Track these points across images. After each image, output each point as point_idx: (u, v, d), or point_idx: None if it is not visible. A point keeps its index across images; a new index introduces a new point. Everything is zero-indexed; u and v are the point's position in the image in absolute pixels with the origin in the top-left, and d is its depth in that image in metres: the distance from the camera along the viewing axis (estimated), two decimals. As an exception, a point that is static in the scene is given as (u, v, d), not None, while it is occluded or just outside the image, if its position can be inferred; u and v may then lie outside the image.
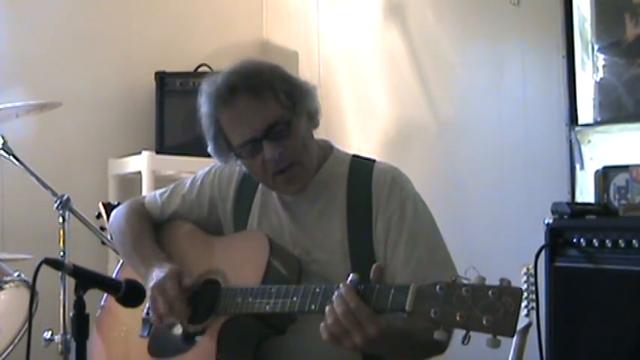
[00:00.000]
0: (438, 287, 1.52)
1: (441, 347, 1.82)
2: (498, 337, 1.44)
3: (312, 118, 2.00)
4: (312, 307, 1.73)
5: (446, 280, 1.53)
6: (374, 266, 1.65)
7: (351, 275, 1.65)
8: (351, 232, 1.96)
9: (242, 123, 1.91)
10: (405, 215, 1.94)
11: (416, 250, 1.91)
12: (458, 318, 1.47)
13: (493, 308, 1.44)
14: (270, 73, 1.92)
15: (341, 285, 1.64)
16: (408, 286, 1.57)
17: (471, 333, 1.47)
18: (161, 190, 2.27)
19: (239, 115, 1.91)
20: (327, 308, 1.63)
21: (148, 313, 2.06)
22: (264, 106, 1.89)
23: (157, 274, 1.98)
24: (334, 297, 1.63)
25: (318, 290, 1.74)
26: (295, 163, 1.94)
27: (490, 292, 1.46)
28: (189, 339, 1.94)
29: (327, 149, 2.08)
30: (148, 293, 1.94)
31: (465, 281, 1.50)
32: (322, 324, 1.63)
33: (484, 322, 1.44)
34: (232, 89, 1.90)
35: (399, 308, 1.57)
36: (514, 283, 1.49)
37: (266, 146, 1.90)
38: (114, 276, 2.23)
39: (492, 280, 1.49)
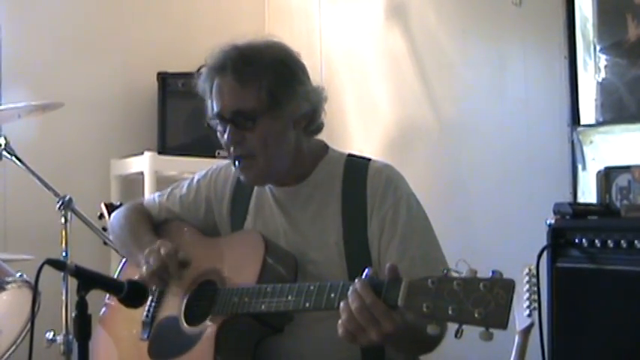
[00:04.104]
0: (429, 281, 1.51)
1: (437, 341, 1.82)
2: (491, 330, 1.44)
3: (300, 124, 1.98)
4: (307, 304, 1.73)
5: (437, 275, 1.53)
6: (388, 265, 1.62)
7: (367, 270, 1.63)
8: (346, 232, 1.96)
9: (219, 98, 1.94)
10: (398, 214, 1.93)
11: (409, 249, 1.91)
12: (450, 312, 1.47)
13: (485, 301, 1.44)
14: (266, 66, 1.91)
15: (356, 280, 1.62)
16: (399, 281, 1.56)
17: (466, 328, 1.47)
18: (159, 193, 2.29)
19: (220, 89, 1.94)
20: (341, 304, 1.61)
21: (147, 316, 2.07)
22: (241, 93, 1.91)
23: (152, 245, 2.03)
24: (349, 292, 1.61)
25: (312, 288, 1.74)
26: (248, 157, 1.95)
27: (481, 285, 1.45)
28: (187, 340, 1.95)
29: (321, 150, 2.07)
30: (142, 260, 1.98)
31: (457, 274, 1.50)
32: (339, 320, 1.61)
33: (476, 314, 1.44)
34: (224, 65, 1.93)
35: (391, 303, 1.56)
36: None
37: (228, 130, 1.93)
38: (115, 276, 2.24)
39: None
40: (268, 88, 1.90)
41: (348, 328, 1.60)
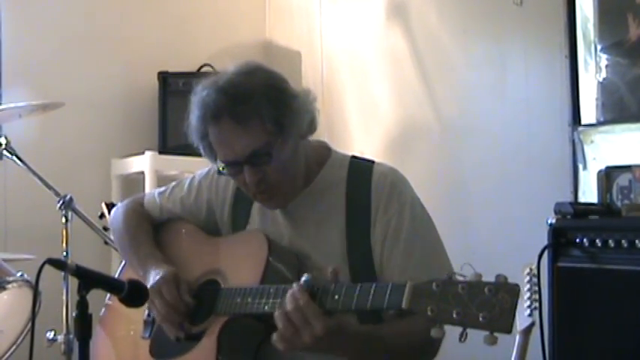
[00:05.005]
0: (434, 285, 1.52)
1: (434, 349, 1.83)
2: (495, 334, 1.44)
3: (305, 136, 1.96)
4: None
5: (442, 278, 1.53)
6: (330, 269, 1.68)
7: (305, 275, 1.68)
8: (349, 237, 1.95)
9: (225, 145, 1.90)
10: (403, 220, 1.92)
11: (413, 255, 1.90)
12: (454, 315, 1.47)
13: (489, 305, 1.44)
14: (260, 97, 1.85)
15: (294, 285, 1.66)
16: (404, 284, 1.57)
17: (469, 330, 1.47)
18: (160, 190, 2.26)
19: (223, 137, 1.89)
20: (277, 311, 1.66)
21: (149, 315, 2.07)
22: (248, 133, 1.86)
23: (153, 277, 1.99)
24: (287, 296, 1.66)
25: None
26: (273, 188, 1.93)
27: (486, 289, 1.45)
28: (190, 340, 1.94)
29: (324, 152, 2.05)
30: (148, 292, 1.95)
31: (461, 278, 1.50)
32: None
33: (480, 318, 1.44)
34: (217, 113, 1.87)
35: (396, 306, 1.57)
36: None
37: (246, 171, 1.89)
38: (116, 276, 2.24)
39: (492, 279, 1.49)
40: (270, 117, 1.86)
41: (284, 333, 1.66)
